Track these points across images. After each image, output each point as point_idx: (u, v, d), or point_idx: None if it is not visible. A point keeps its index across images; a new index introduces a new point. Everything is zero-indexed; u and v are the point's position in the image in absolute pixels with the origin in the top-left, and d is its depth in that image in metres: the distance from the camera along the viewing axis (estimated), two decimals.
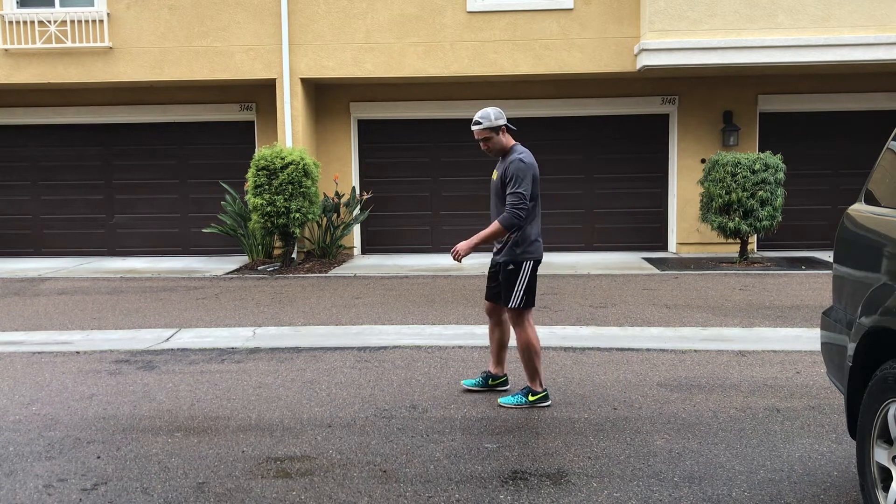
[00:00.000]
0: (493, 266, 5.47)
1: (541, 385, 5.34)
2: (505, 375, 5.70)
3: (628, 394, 5.58)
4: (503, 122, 5.26)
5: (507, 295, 5.29)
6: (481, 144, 5.31)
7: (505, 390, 5.64)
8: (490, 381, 5.65)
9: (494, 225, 5.20)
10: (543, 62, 12.74)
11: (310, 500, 3.91)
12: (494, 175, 5.37)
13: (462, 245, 5.24)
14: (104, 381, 6.09)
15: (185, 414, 5.27)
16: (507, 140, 5.31)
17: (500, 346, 5.64)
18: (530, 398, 5.30)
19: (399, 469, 4.27)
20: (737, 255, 12.46)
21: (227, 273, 11.98)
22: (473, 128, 5.26)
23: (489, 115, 5.22)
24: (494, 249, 5.45)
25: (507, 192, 5.17)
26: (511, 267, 5.27)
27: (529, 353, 5.30)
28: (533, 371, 5.31)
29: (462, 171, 14.05)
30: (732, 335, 7.46)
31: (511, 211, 5.13)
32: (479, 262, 11.81)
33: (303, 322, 8.31)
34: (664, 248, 14.08)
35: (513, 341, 6.94)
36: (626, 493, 3.93)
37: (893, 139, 3.88)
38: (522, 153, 5.25)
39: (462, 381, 5.78)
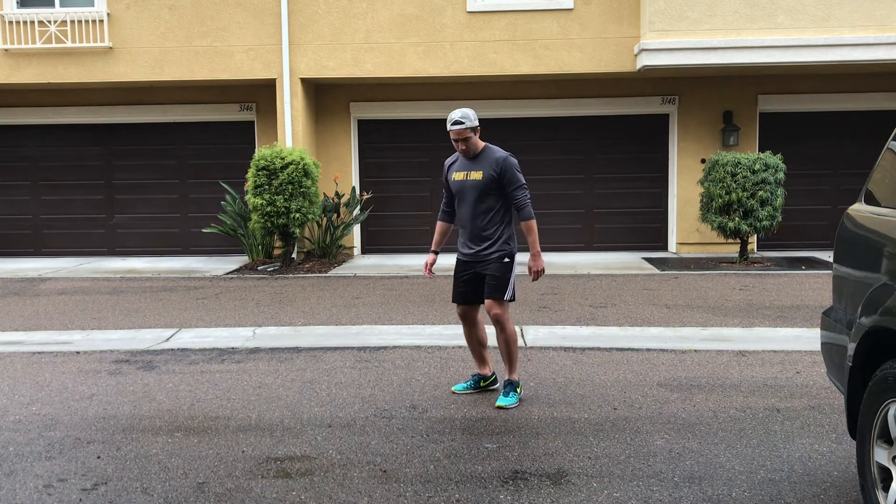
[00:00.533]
0: (469, 267, 5.42)
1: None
2: (493, 374, 5.70)
3: (628, 394, 5.58)
4: (477, 122, 5.37)
5: (502, 287, 5.33)
6: (459, 144, 5.32)
7: (495, 389, 5.64)
8: (482, 383, 5.64)
9: (530, 224, 5.33)
10: (543, 62, 12.74)
11: (310, 500, 3.91)
12: (470, 175, 5.33)
13: (542, 263, 5.38)
14: (104, 381, 6.09)
15: (185, 414, 5.27)
16: (479, 141, 5.43)
17: (481, 346, 5.63)
18: (518, 391, 5.41)
19: (399, 469, 4.27)
20: (737, 255, 12.46)
21: (227, 273, 11.98)
22: (454, 127, 5.26)
23: (469, 115, 5.27)
24: (469, 250, 5.40)
25: (512, 189, 5.30)
26: (507, 260, 5.37)
27: (515, 345, 5.43)
28: (516, 360, 5.45)
29: None
30: (732, 335, 7.46)
31: (528, 202, 5.35)
32: None
33: (303, 322, 8.31)
34: (664, 248, 14.08)
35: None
36: (626, 493, 3.93)
37: (893, 139, 3.88)
38: (504, 151, 5.38)
39: (452, 388, 5.68)
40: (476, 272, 5.40)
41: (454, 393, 5.61)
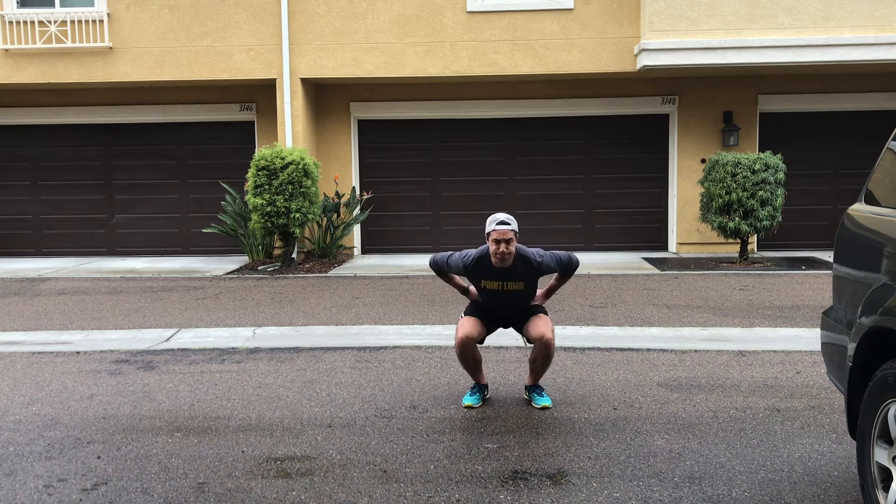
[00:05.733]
0: (501, 318, 5.48)
1: None
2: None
3: (628, 394, 5.58)
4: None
5: (545, 313, 5.40)
6: (501, 246, 5.04)
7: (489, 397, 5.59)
8: (486, 394, 5.55)
9: (565, 280, 5.42)
10: (543, 62, 12.74)
11: (310, 500, 3.91)
12: (508, 286, 5.19)
13: (539, 299, 5.47)
14: (104, 381, 6.09)
15: (185, 414, 5.27)
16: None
17: (477, 362, 5.41)
18: None
19: (399, 469, 4.27)
20: (737, 255, 12.46)
21: (227, 273, 11.98)
22: (501, 227, 5.07)
23: (513, 220, 5.17)
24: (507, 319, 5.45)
25: (561, 268, 5.28)
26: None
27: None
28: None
29: (462, 171, 14.06)
30: (732, 335, 7.46)
31: (575, 266, 5.35)
32: None
33: (303, 322, 8.31)
34: (664, 248, 14.08)
35: (509, 342, 6.94)
36: (626, 493, 3.93)
37: (893, 139, 3.89)
38: (531, 250, 5.26)
39: (467, 403, 5.34)
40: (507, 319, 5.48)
41: (471, 407, 5.31)
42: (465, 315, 5.40)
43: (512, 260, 5.15)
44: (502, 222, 5.10)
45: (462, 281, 5.58)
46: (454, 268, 5.36)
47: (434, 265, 5.46)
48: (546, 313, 5.40)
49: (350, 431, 4.87)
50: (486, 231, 5.14)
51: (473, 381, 5.49)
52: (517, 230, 5.14)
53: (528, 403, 5.37)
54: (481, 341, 5.43)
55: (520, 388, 5.71)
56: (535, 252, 5.24)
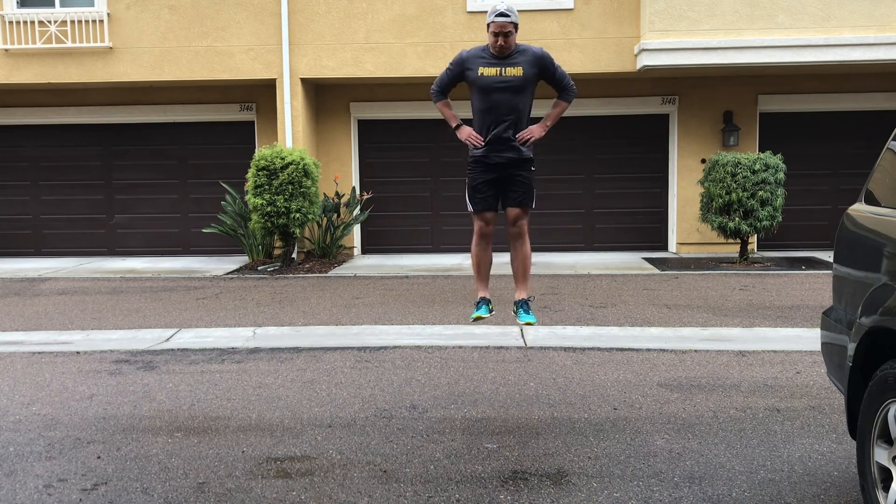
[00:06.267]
0: (496, 169, 5.14)
1: None
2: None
3: (628, 394, 5.58)
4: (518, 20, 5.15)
5: (531, 194, 5.20)
6: (498, 39, 4.94)
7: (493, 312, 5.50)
8: (492, 308, 5.45)
9: (563, 105, 5.25)
10: None
11: (310, 500, 3.91)
12: (506, 72, 4.99)
13: (537, 128, 5.12)
14: (104, 381, 6.09)
15: (185, 414, 5.27)
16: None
17: (490, 266, 5.34)
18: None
19: (399, 469, 4.27)
20: (737, 255, 12.46)
21: (227, 273, 11.98)
22: (498, 19, 4.93)
23: (514, 10, 5.01)
24: (501, 150, 5.09)
25: (558, 76, 5.20)
26: (533, 168, 5.24)
27: (531, 259, 5.31)
28: (529, 276, 5.32)
29: (462, 171, 14.00)
30: (732, 335, 7.46)
31: (574, 89, 5.23)
32: None
33: (303, 322, 8.31)
34: (664, 248, 14.08)
35: (510, 342, 6.94)
36: (626, 493, 3.93)
37: (893, 139, 3.89)
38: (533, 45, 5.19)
39: (472, 315, 5.34)
40: (501, 175, 5.14)
41: (480, 318, 5.32)
42: (473, 212, 5.27)
43: (511, 50, 5.09)
44: (502, 14, 4.96)
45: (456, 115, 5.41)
46: (453, 66, 5.19)
47: (434, 85, 5.35)
48: (530, 201, 5.20)
49: (350, 431, 4.87)
50: (487, 22, 5.06)
51: (479, 297, 5.43)
52: (517, 23, 5.00)
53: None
54: (496, 211, 5.27)
55: (520, 388, 5.72)
56: (543, 49, 5.19)
